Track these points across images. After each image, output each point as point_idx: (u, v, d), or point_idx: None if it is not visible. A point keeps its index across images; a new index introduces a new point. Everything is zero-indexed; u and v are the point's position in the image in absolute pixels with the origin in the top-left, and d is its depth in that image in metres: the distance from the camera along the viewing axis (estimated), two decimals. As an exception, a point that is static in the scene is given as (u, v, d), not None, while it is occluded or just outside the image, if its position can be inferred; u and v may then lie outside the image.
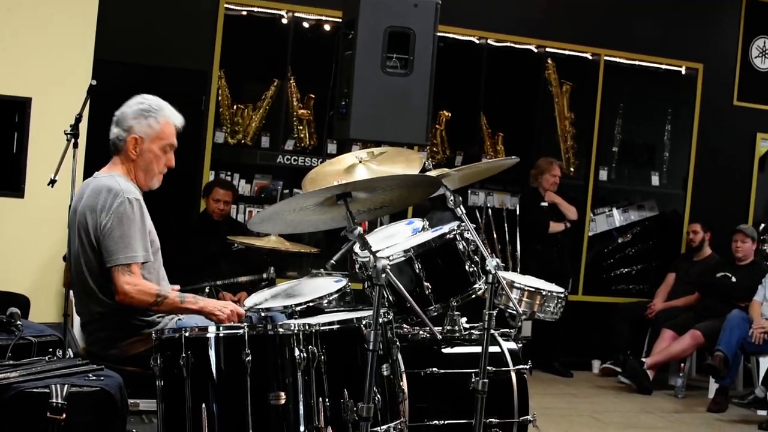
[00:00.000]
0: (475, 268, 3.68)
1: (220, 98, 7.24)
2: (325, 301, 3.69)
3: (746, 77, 8.55)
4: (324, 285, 3.86)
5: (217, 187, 6.64)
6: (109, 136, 3.58)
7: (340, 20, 5.88)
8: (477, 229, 3.86)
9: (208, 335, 2.98)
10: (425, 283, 3.60)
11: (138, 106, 3.55)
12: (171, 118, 3.59)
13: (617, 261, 8.48)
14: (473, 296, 3.69)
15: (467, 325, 3.80)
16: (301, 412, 2.96)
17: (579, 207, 7.92)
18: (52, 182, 4.73)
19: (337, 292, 3.73)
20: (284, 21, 7.43)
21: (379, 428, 3.06)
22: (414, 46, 5.36)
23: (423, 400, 3.55)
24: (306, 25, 7.49)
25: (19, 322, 3.72)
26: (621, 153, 8.46)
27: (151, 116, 3.54)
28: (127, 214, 3.37)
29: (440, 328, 3.74)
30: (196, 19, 7.10)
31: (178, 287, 3.74)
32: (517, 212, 7.83)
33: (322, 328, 3.06)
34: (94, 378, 3.04)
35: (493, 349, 3.69)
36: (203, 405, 2.91)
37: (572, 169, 8.28)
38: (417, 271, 3.60)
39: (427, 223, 4.01)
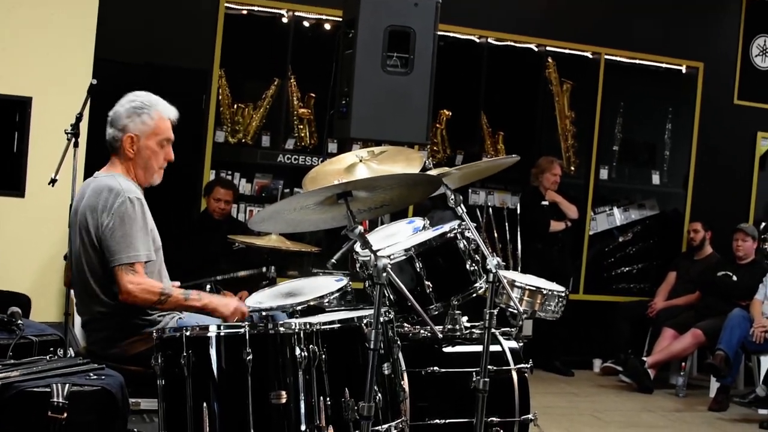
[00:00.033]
0: (475, 267, 3.68)
1: (220, 97, 7.24)
2: (326, 300, 3.68)
3: (747, 76, 8.55)
4: (325, 284, 3.87)
5: (218, 186, 6.64)
6: (106, 137, 3.58)
7: (341, 19, 5.88)
8: (478, 228, 3.86)
9: (209, 334, 2.98)
10: (426, 282, 3.60)
11: (130, 105, 3.54)
12: (164, 112, 3.57)
13: (618, 260, 8.48)
14: (474, 295, 3.69)
15: (468, 324, 3.80)
16: (302, 411, 2.96)
17: (580, 206, 7.92)
18: (53, 181, 4.73)
19: (337, 291, 3.73)
20: (284, 20, 7.43)
21: (380, 427, 3.06)
22: (414, 45, 5.36)
23: (424, 399, 3.55)
24: (306, 24, 7.49)
25: (20, 322, 3.72)
26: (621, 152, 8.46)
27: (144, 113, 3.52)
28: (128, 214, 3.37)
29: (441, 327, 3.73)
30: (196, 19, 7.10)
31: (177, 284, 3.74)
32: (518, 211, 7.83)
33: (323, 327, 3.06)
34: (95, 377, 3.04)
35: (494, 348, 3.69)
36: (204, 404, 2.91)
37: (573, 168, 8.28)
38: (418, 270, 3.60)
39: (428, 222, 4.01)
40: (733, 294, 7.25)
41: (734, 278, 7.36)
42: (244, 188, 7.40)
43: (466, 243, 3.68)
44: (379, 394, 3.01)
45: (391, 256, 3.53)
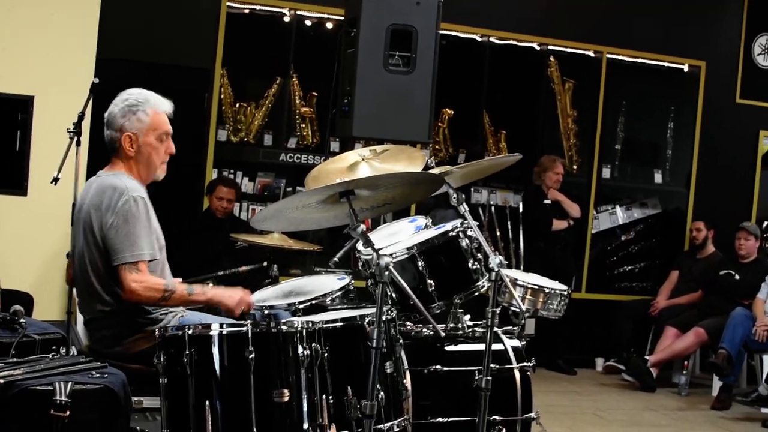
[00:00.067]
0: (478, 266, 3.67)
1: (222, 96, 7.25)
2: (329, 298, 3.68)
3: (749, 75, 8.55)
4: (327, 283, 3.86)
5: (221, 185, 6.64)
6: (105, 138, 3.57)
7: (343, 18, 5.88)
8: (480, 226, 3.86)
9: (211, 333, 2.98)
10: (428, 281, 3.60)
11: (124, 104, 3.52)
12: (159, 106, 3.56)
13: (620, 259, 8.48)
14: (476, 294, 3.69)
15: (470, 323, 3.79)
16: (305, 409, 2.95)
17: (582, 205, 7.91)
18: (55, 180, 4.73)
19: (340, 289, 3.73)
20: (286, 19, 7.43)
21: (382, 425, 3.05)
22: (416, 44, 5.36)
23: (426, 398, 3.55)
24: (308, 22, 7.49)
25: (22, 320, 3.72)
26: (624, 151, 8.46)
27: (139, 110, 3.51)
28: (132, 213, 3.37)
29: (443, 325, 3.73)
30: (198, 17, 7.11)
31: (179, 280, 3.74)
32: (520, 210, 7.82)
33: (325, 325, 3.06)
34: (98, 375, 3.04)
35: (496, 346, 3.69)
36: (207, 402, 2.91)
37: (575, 167, 8.28)
38: (420, 268, 3.60)
39: (430, 220, 4.01)
40: (735, 293, 7.25)
41: (737, 277, 7.36)
42: (246, 187, 7.41)
43: (468, 242, 3.68)
44: (382, 393, 3.00)
45: (394, 255, 3.53)
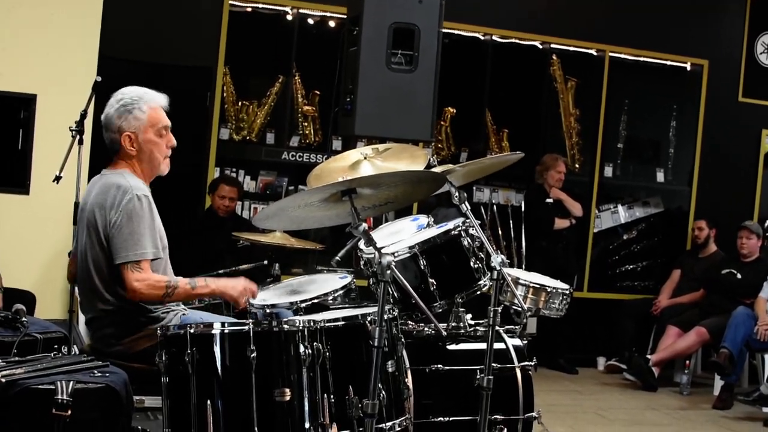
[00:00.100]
0: (480, 265, 3.67)
1: (225, 95, 7.24)
2: (330, 297, 3.68)
3: (751, 73, 8.54)
4: (329, 282, 3.87)
5: (223, 183, 6.64)
6: (104, 140, 3.57)
7: (345, 16, 5.88)
8: (482, 225, 3.86)
9: (213, 332, 2.97)
10: (430, 280, 3.60)
11: (118, 104, 3.52)
12: (153, 102, 3.55)
13: (622, 258, 8.48)
14: (478, 293, 3.69)
15: (472, 322, 3.80)
16: (306, 408, 2.96)
17: (584, 203, 7.91)
18: (58, 179, 4.73)
19: (342, 288, 3.73)
20: (289, 17, 7.43)
21: (384, 425, 3.05)
22: (419, 42, 5.36)
23: (428, 397, 3.55)
24: (311, 21, 7.49)
25: (24, 319, 3.73)
26: (626, 149, 8.46)
27: (135, 108, 3.50)
28: (136, 211, 3.37)
29: (445, 324, 3.73)
30: (200, 16, 7.10)
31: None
32: (522, 209, 7.80)
33: (327, 324, 3.06)
34: (100, 374, 3.04)
35: (498, 345, 3.68)
36: (208, 401, 2.91)
37: (577, 166, 8.27)
38: (422, 267, 3.60)
39: (432, 219, 4.01)
40: (737, 292, 7.25)
41: (738, 276, 7.35)
42: (248, 185, 7.41)
43: (470, 240, 3.68)
44: (383, 392, 3.01)
45: (396, 254, 3.53)
